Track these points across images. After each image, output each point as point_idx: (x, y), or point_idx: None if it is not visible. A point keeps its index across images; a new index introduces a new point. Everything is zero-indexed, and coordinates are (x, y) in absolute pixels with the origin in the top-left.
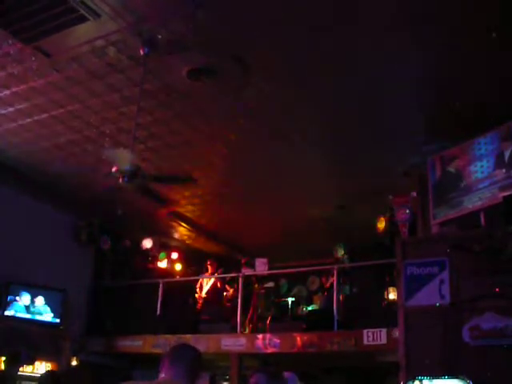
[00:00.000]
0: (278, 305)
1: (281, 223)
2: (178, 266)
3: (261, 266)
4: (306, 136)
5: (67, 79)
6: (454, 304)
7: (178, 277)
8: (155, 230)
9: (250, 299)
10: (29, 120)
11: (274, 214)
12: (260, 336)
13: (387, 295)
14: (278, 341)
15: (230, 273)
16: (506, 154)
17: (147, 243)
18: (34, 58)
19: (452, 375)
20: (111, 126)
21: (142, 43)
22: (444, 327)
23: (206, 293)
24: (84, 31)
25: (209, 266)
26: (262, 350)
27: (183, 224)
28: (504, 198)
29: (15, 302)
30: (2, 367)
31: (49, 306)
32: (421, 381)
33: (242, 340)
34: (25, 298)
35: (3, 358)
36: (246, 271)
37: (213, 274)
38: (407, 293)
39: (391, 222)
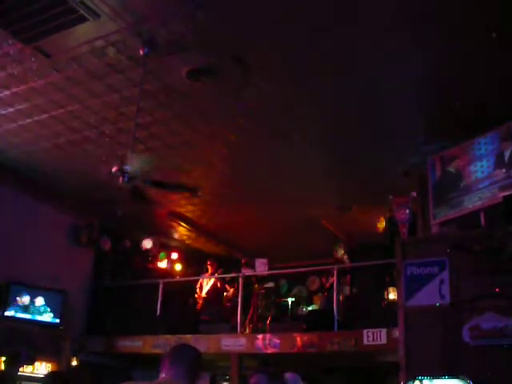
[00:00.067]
0: (278, 305)
1: (281, 223)
2: (178, 266)
3: (261, 267)
4: (306, 136)
5: (67, 79)
6: (454, 304)
7: (177, 277)
8: (155, 230)
9: (250, 299)
10: (29, 120)
11: (273, 214)
12: (260, 336)
13: (387, 295)
14: (278, 341)
15: (230, 273)
16: (506, 154)
17: (147, 243)
18: (33, 59)
19: (452, 375)
20: (111, 127)
21: (142, 43)
22: (444, 327)
23: (206, 293)
24: (84, 31)
25: (209, 266)
26: (262, 351)
27: (183, 224)
28: (504, 197)
29: (15, 303)
30: (2, 367)
31: (49, 306)
32: (421, 381)
33: (242, 340)
34: (25, 299)
35: (3, 359)
36: (246, 271)
37: (213, 274)
38: (407, 293)
39: (391, 222)
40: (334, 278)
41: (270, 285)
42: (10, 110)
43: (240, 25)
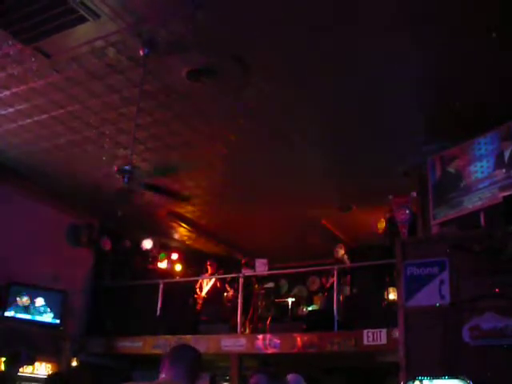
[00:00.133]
0: (278, 305)
1: (281, 223)
2: (178, 267)
3: (261, 267)
4: (306, 136)
5: (67, 80)
6: (454, 304)
7: (178, 277)
8: (155, 230)
9: (250, 299)
10: (29, 121)
11: (273, 214)
12: (260, 336)
13: (387, 295)
14: (278, 341)
15: (230, 273)
16: (506, 154)
17: (147, 244)
18: (33, 59)
19: (452, 375)
20: (111, 127)
21: (142, 44)
22: (444, 327)
23: (206, 293)
24: (84, 32)
25: (209, 267)
26: (262, 351)
27: (183, 224)
28: (504, 197)
29: (15, 303)
30: (2, 368)
31: (49, 306)
32: (421, 381)
33: (242, 340)
34: (25, 299)
35: (3, 359)
36: (246, 272)
37: (213, 274)
38: (407, 293)
39: (391, 223)
40: (334, 278)
41: (270, 285)
42: (10, 110)
43: (240, 25)
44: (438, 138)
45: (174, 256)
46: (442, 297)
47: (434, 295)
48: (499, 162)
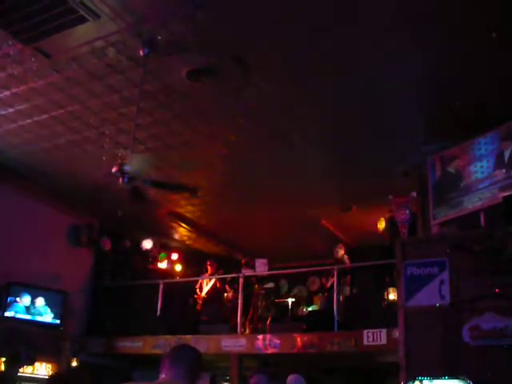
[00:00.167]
0: (278, 305)
1: (281, 223)
2: (178, 267)
3: (261, 267)
4: (306, 136)
5: (67, 80)
6: (454, 304)
7: (178, 277)
8: (155, 230)
9: (250, 300)
10: (29, 121)
11: (274, 214)
12: (260, 337)
13: (387, 296)
14: (278, 341)
15: (230, 273)
16: (506, 154)
17: (147, 244)
18: (33, 59)
19: (452, 375)
20: (111, 127)
21: (142, 44)
22: (444, 327)
23: (206, 293)
24: (84, 32)
25: (209, 267)
26: (262, 351)
27: (183, 225)
28: (504, 198)
29: (15, 303)
30: (2, 368)
31: (49, 306)
32: (421, 381)
33: (242, 341)
34: (25, 299)
35: (3, 359)
36: (246, 272)
37: (213, 274)
38: (407, 293)
39: (391, 223)
40: (335, 278)
41: (270, 285)
42: (10, 110)
43: (240, 25)
44: (438, 137)
45: (174, 256)
46: (442, 297)
47: (434, 295)
48: (499, 162)
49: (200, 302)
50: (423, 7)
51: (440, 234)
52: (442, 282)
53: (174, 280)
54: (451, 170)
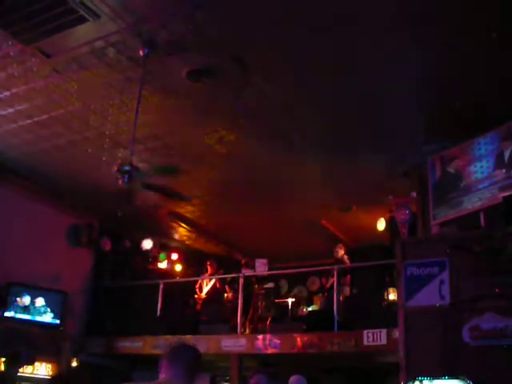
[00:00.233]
0: (278, 305)
1: (281, 223)
2: (178, 267)
3: (261, 267)
4: (306, 136)
5: (67, 80)
6: (454, 304)
7: (178, 278)
8: (155, 230)
9: (250, 300)
10: (29, 121)
11: (274, 214)
12: (260, 337)
13: (387, 296)
14: (278, 341)
15: (230, 273)
16: (506, 154)
17: (147, 244)
18: (33, 59)
19: (452, 375)
20: (111, 127)
21: (142, 44)
22: (444, 327)
23: (206, 293)
24: (84, 32)
25: (208, 267)
26: (262, 351)
27: (183, 225)
28: (504, 198)
29: (15, 303)
30: (2, 368)
31: (49, 306)
32: (421, 381)
33: (242, 341)
34: (25, 299)
35: (3, 359)
36: (246, 272)
37: (213, 274)
38: (407, 293)
39: (391, 223)
40: (334, 278)
41: (270, 285)
42: (10, 110)
43: (240, 25)
44: (438, 137)
45: (174, 256)
46: (442, 297)
47: (434, 295)
48: (499, 162)
49: (200, 302)
50: (423, 7)
51: (440, 234)
52: (441, 282)
53: (174, 280)
54: (451, 170)
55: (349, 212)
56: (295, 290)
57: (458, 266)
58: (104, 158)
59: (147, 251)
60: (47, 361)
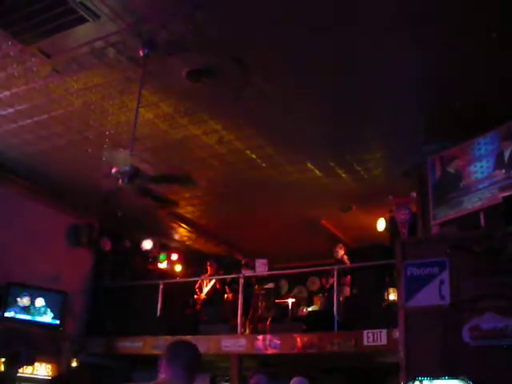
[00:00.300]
0: (278, 306)
1: (281, 223)
2: (178, 267)
3: (261, 267)
4: (306, 136)
5: (67, 80)
6: (454, 304)
7: (178, 278)
8: (155, 231)
9: (250, 300)
10: (29, 121)
11: (274, 214)
12: (260, 337)
13: (387, 296)
14: (278, 342)
15: (230, 274)
16: (506, 154)
17: (147, 244)
18: (33, 59)
19: (452, 376)
20: (111, 127)
21: (142, 44)
22: (444, 328)
23: (206, 294)
24: (84, 32)
25: (208, 267)
26: (262, 351)
27: (183, 225)
28: (504, 198)
29: (15, 303)
30: (2, 368)
31: (49, 307)
32: (421, 381)
33: (242, 341)
34: (25, 299)
35: (3, 359)
36: (246, 272)
37: (213, 275)
38: (407, 293)
39: (391, 223)
40: (334, 278)
41: (270, 285)
42: (10, 110)
43: (240, 25)
44: (438, 137)
45: (174, 256)
46: (442, 297)
47: (434, 295)
48: (499, 162)
49: (200, 303)
50: (423, 7)
51: (440, 234)
52: (442, 282)
53: (174, 280)
54: (451, 170)
55: (349, 212)
56: (295, 291)
57: (458, 266)
58: (104, 158)
59: (147, 251)
60: (47, 361)
